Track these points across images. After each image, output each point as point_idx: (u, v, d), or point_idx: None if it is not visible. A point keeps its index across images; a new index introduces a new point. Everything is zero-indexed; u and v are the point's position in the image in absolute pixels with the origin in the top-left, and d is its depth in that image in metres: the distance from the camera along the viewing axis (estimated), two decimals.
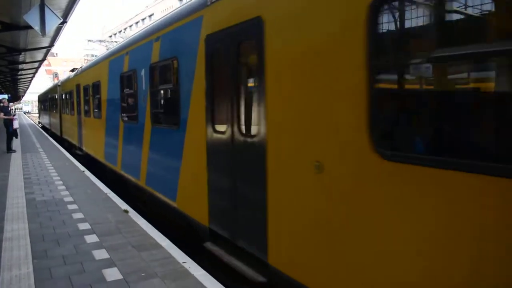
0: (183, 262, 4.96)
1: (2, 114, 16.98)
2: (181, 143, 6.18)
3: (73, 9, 14.66)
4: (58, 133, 24.43)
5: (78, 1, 13.91)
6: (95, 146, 13.01)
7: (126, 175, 9.31)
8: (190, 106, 5.83)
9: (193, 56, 5.66)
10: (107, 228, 6.33)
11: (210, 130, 5.25)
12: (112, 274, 4.63)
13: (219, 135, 5.05)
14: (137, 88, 8.17)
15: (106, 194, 8.76)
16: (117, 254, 5.23)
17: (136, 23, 74.81)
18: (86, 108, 14.44)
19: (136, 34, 8.96)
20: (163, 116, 7.46)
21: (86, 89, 14.37)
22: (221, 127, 5.03)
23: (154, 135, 7.46)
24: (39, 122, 47.26)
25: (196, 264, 4.94)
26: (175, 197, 6.48)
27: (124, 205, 7.77)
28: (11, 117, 16.91)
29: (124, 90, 9.45)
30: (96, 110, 12.75)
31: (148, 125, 7.66)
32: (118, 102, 9.93)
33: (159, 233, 6.13)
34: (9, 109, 17.92)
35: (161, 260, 5.05)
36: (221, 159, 5.01)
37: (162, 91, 7.61)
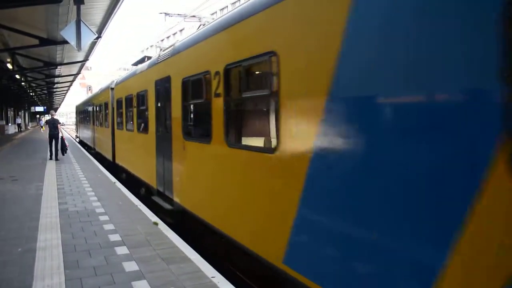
0: (212, 277, 4.91)
1: (59, 124, 17.92)
2: None
3: (107, 25, 15.18)
4: (109, 157, 16.58)
5: (112, 18, 14.38)
6: (220, 209, 6.13)
7: None
8: None
9: None
10: (137, 240, 6.37)
11: None
12: (142, 286, 4.62)
13: None
14: None
15: (136, 206, 8.85)
16: (147, 267, 5.24)
17: (168, 37, 76.65)
18: (189, 124, 7.66)
19: None
20: None
21: (190, 84, 7.17)
22: None
23: None
24: (76, 137, 40.20)
25: (225, 279, 4.88)
26: None
27: (154, 217, 7.82)
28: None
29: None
30: (229, 131, 5.68)
31: None
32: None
33: (188, 247, 6.12)
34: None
35: (190, 274, 5.02)
36: None
37: None
